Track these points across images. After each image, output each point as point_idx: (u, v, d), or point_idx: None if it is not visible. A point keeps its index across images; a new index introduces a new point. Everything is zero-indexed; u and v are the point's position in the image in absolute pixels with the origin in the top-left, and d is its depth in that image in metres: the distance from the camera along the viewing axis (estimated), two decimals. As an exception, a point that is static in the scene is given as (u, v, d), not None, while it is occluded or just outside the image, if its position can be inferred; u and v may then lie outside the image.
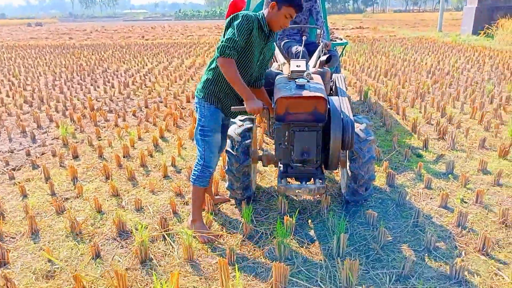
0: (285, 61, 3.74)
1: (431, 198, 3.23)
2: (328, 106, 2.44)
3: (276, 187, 3.46)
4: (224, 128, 2.82)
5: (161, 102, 6.65)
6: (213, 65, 2.57)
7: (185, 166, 3.93)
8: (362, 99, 6.47)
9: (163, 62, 11.60)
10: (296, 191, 2.47)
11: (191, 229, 2.70)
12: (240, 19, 2.38)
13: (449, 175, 3.61)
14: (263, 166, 3.22)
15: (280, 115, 2.36)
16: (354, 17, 52.19)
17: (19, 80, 8.80)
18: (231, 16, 2.45)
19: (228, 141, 3.01)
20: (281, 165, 2.67)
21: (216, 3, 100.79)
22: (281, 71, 3.30)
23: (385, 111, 5.55)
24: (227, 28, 2.45)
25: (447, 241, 2.63)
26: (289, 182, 2.66)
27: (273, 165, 3.37)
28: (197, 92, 2.66)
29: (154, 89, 7.75)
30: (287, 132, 2.46)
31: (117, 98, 7.04)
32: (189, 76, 8.97)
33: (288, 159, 2.52)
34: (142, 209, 3.15)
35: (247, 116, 3.17)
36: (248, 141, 2.98)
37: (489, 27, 15.34)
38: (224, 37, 2.39)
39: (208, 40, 19.04)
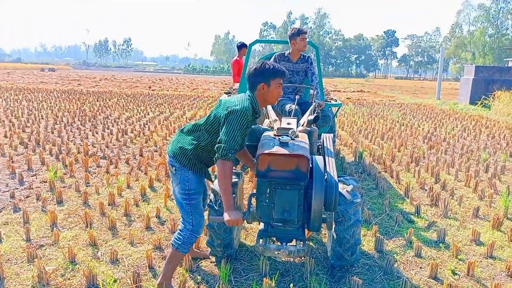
0: (277, 118, 3.77)
1: (420, 268, 3.09)
2: (311, 165, 2.40)
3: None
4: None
5: (156, 151, 6.64)
6: (195, 141, 2.45)
7: (169, 217, 3.82)
8: (357, 160, 6.45)
9: (164, 113, 11.78)
10: (275, 253, 2.36)
11: None
12: (240, 116, 2.27)
13: (440, 244, 3.49)
14: (247, 223, 3.12)
15: (262, 171, 2.32)
16: (356, 81, 53.87)
17: (20, 122, 8.90)
18: (228, 111, 2.31)
19: (212, 195, 2.94)
20: (261, 224, 2.58)
21: (223, 60, 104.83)
22: (271, 128, 3.31)
23: (379, 173, 5.50)
24: (225, 122, 2.30)
25: (434, 316, 2.47)
26: (271, 242, 2.55)
27: (258, 223, 3.27)
28: (175, 157, 2.46)
29: (152, 138, 7.79)
30: (268, 190, 2.40)
31: (113, 145, 7.06)
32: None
33: (268, 217, 2.43)
34: (118, 261, 3.00)
35: (234, 170, 3.13)
36: (232, 196, 2.91)
37: (486, 98, 15.72)
38: (222, 136, 2.27)
39: (212, 94, 19.50)
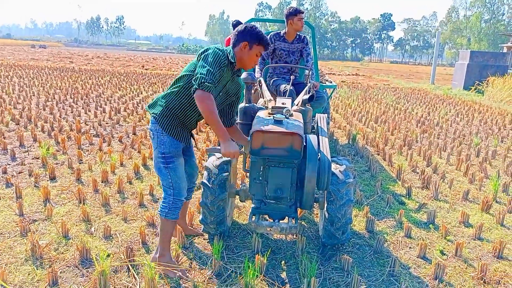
0: (271, 98, 3.76)
1: (410, 248, 3.14)
2: (304, 144, 2.41)
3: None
4: (186, 151, 2.67)
5: (150, 130, 6.61)
6: (171, 95, 2.43)
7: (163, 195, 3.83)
8: (350, 142, 6.48)
9: (158, 92, 11.67)
10: (267, 229, 2.38)
11: (158, 264, 2.52)
12: (214, 52, 2.32)
13: (430, 225, 3.55)
14: (241, 201, 3.14)
15: (255, 149, 2.32)
16: (352, 64, 53.64)
17: (11, 98, 8.77)
18: (203, 49, 2.40)
19: (205, 172, 2.95)
20: (255, 201, 2.60)
21: (218, 40, 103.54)
22: (266, 107, 3.30)
23: (371, 156, 5.54)
24: (199, 59, 2.34)
25: (421, 293, 2.53)
26: (263, 219, 2.58)
27: (251, 201, 3.30)
28: (153, 116, 2.46)
29: (145, 116, 7.74)
30: (262, 167, 2.41)
31: (106, 123, 7.00)
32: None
33: (261, 194, 2.45)
34: (111, 237, 3.02)
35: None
36: (226, 174, 2.92)
37: (480, 83, 15.77)
38: (198, 69, 2.27)
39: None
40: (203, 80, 2.19)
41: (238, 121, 3.22)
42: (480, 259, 3.02)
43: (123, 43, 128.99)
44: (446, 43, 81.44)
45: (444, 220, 3.69)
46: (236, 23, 7.72)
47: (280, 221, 2.46)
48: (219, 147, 2.36)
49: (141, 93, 11.17)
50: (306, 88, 3.94)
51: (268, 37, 4.77)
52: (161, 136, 2.44)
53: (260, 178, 2.42)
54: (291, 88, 4.30)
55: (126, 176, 4.24)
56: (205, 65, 2.26)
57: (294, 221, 2.43)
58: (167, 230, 2.55)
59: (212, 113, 2.21)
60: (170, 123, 2.44)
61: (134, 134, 6.32)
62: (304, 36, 4.84)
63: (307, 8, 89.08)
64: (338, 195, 2.75)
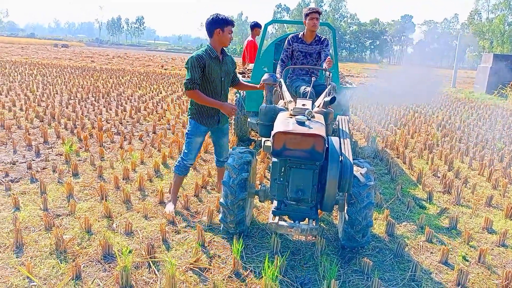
0: (292, 99, 3.75)
1: (431, 253, 3.10)
2: (327, 146, 2.40)
3: (271, 225, 3.37)
4: (212, 132, 3.62)
5: (169, 129, 6.68)
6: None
7: (182, 194, 3.87)
8: (369, 145, 6.42)
9: (177, 92, 11.79)
10: (288, 230, 2.38)
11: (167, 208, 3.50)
12: (190, 61, 3.19)
13: (452, 230, 3.49)
14: (260, 201, 3.15)
15: (277, 150, 2.32)
16: (370, 66, 53.08)
17: (35, 96, 8.99)
18: (187, 61, 3.24)
19: (226, 172, 2.97)
20: (275, 202, 2.60)
21: (236, 42, 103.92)
22: (286, 108, 3.30)
23: (391, 159, 5.47)
24: (186, 67, 3.25)
25: (443, 299, 2.49)
26: (283, 220, 2.57)
27: (270, 201, 3.30)
28: (188, 113, 3.53)
29: (165, 116, 7.83)
30: (283, 168, 2.41)
31: (127, 122, 7.11)
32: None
33: (282, 195, 2.45)
34: (132, 234, 3.07)
35: (246, 149, 3.15)
36: (246, 174, 2.94)
37: (503, 87, 15.41)
38: (186, 75, 3.23)
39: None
40: (186, 85, 3.20)
41: (259, 121, 3.24)
42: (505, 266, 2.95)
43: (142, 43, 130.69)
44: (467, 46, 79.83)
45: (467, 225, 3.62)
46: (255, 25, 7.74)
47: (301, 223, 2.46)
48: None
49: (161, 93, 11.30)
50: (327, 90, 3.91)
51: (287, 39, 4.76)
52: (189, 120, 3.48)
53: (281, 179, 2.42)
54: (311, 90, 4.28)
55: (147, 174, 4.29)
56: (187, 72, 3.24)
57: (314, 223, 2.42)
58: (176, 182, 3.59)
59: (201, 99, 3.24)
60: (194, 112, 3.43)
61: (154, 133, 6.40)
62: (325, 38, 4.80)
63: (325, 10, 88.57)
64: (359, 198, 2.73)
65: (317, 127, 2.40)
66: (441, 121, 9.07)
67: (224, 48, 3.41)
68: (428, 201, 4.15)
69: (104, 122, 6.93)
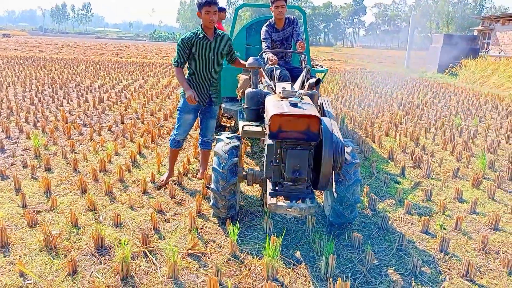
0: (270, 83, 3.78)
1: (412, 224, 3.28)
2: (321, 126, 2.46)
3: (259, 207, 3.43)
4: (201, 112, 3.78)
5: (138, 118, 6.52)
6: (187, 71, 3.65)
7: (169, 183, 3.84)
8: (339, 126, 6.60)
9: (138, 80, 11.47)
10: (287, 210, 2.44)
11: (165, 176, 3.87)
12: (178, 42, 3.48)
13: (428, 202, 3.70)
14: (248, 185, 3.19)
15: (273, 132, 2.36)
16: (325, 49, 53.96)
17: (-14, 89, 8.42)
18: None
19: (215, 158, 2.98)
20: (270, 184, 2.64)
21: (190, 27, 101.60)
22: (252, 89, 3.32)
23: (361, 138, 5.67)
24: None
25: (431, 265, 2.66)
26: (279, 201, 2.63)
27: (258, 185, 3.35)
28: (181, 91, 3.67)
29: (130, 105, 7.61)
30: (279, 150, 2.46)
31: (92, 113, 6.86)
32: (166, 95, 8.88)
33: (278, 177, 2.50)
34: (121, 225, 3.02)
35: (233, 134, 3.17)
36: (236, 159, 2.96)
37: (453, 66, 16.24)
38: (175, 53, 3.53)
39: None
40: (174, 61, 3.52)
41: (245, 106, 3.25)
42: (478, 231, 3.19)
43: (91, 31, 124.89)
44: (416, 28, 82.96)
45: (439, 196, 3.86)
46: (219, 9, 7.65)
47: (298, 202, 2.52)
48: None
49: (121, 82, 10.94)
50: (304, 72, 3.98)
51: (265, 29, 4.70)
52: (181, 97, 3.67)
53: (277, 161, 2.46)
54: (285, 72, 4.33)
55: (124, 165, 4.20)
56: (175, 52, 3.50)
57: (311, 201, 2.49)
58: (170, 155, 3.85)
59: (177, 76, 3.51)
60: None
61: (123, 123, 6.22)
62: (294, 17, 4.81)
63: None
64: (347, 175, 2.83)
65: (311, 108, 2.45)
66: (401, 100, 9.46)
67: (215, 28, 3.56)
68: (402, 176, 4.36)
69: (67, 114, 6.64)
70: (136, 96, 8.64)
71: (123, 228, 2.97)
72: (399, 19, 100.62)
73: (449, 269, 2.64)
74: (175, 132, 3.75)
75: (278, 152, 2.46)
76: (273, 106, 2.50)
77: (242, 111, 5.03)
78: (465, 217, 3.43)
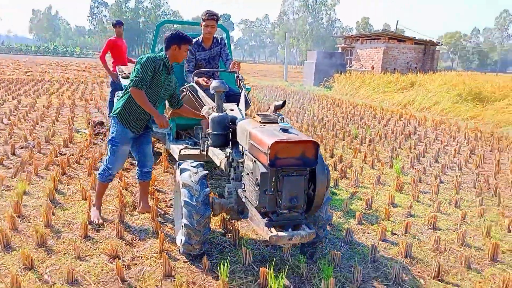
0: (214, 104, 3.64)
1: (368, 233, 3.48)
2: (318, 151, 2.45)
3: (221, 236, 3.24)
4: (134, 140, 3.44)
5: (34, 147, 5.59)
6: (125, 96, 3.28)
7: (106, 222, 3.37)
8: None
9: (8, 100, 9.89)
10: (288, 240, 2.35)
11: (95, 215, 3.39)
12: (146, 60, 3.12)
13: (370, 210, 3.98)
14: (214, 215, 3.00)
15: (273, 160, 2.26)
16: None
17: None
18: (141, 56, 3.21)
19: (184, 190, 2.74)
20: (257, 213, 2.51)
21: (46, 38, 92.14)
22: (219, 113, 3.17)
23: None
24: (137, 64, 3.16)
25: (405, 271, 2.85)
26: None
27: (225, 214, 3.16)
28: (112, 113, 3.33)
29: (13, 132, 6.49)
30: (273, 178, 2.36)
31: (-34, 144, 5.65)
32: (53, 117, 7.82)
33: (274, 206, 2.39)
34: (77, 281, 2.53)
35: (197, 162, 2.95)
36: (208, 189, 2.78)
37: (327, 80, 17.98)
38: (134, 72, 3.13)
39: (55, 78, 17.10)
40: (136, 82, 3.08)
41: (210, 131, 3.06)
42: (421, 233, 3.54)
43: None
44: (279, 43, 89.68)
45: (375, 203, 4.17)
46: (117, 23, 7.21)
47: (294, 230, 2.44)
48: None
49: (-13, 103, 9.28)
50: (243, 92, 3.94)
51: (189, 49, 4.53)
52: (115, 126, 3.28)
53: (272, 190, 2.36)
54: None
55: (45, 206, 3.54)
56: (138, 70, 3.11)
57: (306, 227, 2.45)
58: (99, 190, 3.47)
59: (144, 101, 3.13)
60: (124, 113, 3.25)
61: (14, 154, 5.27)
62: (221, 38, 4.77)
63: (146, 6, 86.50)
64: (319, 195, 2.87)
65: (301, 133, 2.42)
66: (294, 112, 10.04)
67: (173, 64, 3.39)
68: (336, 187, 4.61)
69: None
70: (16, 120, 7.41)
71: (81, 285, 2.49)
72: (263, 35, 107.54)
73: (419, 272, 2.87)
74: (109, 166, 3.34)
75: (273, 180, 2.36)
76: (264, 133, 2.40)
77: (172, 134, 4.74)
78: (404, 220, 3.77)
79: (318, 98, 14.16)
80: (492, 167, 5.78)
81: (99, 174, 3.41)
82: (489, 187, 4.79)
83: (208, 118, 3.74)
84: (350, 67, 21.85)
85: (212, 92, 3.73)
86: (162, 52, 3.31)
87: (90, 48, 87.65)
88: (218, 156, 3.72)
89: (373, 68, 20.71)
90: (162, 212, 3.68)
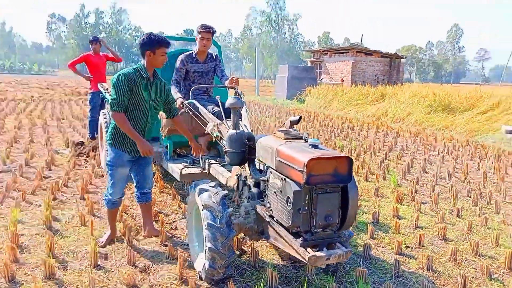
0: (218, 121, 3.56)
1: (383, 247, 3.47)
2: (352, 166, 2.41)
3: (237, 258, 3.12)
4: (134, 162, 3.24)
5: (16, 169, 5.25)
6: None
7: (112, 250, 3.18)
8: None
9: (-26, 122, 9.30)
10: (325, 260, 2.28)
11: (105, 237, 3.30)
12: (116, 80, 2.92)
13: (378, 224, 3.98)
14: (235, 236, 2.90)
15: (309, 178, 2.20)
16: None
17: None
18: (113, 76, 2.99)
19: (206, 212, 2.63)
20: (288, 233, 2.43)
21: (2, 56, 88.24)
22: (236, 131, 3.10)
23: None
24: (112, 87, 2.95)
25: (430, 285, 2.84)
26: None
27: (244, 235, 3.06)
28: (106, 139, 3.22)
29: (-12, 155, 6.08)
30: (307, 196, 2.30)
31: None
32: (27, 138, 7.42)
33: (308, 225, 2.33)
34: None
35: (213, 182, 2.86)
36: (230, 209, 2.68)
37: (300, 93, 18.20)
38: (111, 95, 2.96)
39: (19, 96, 16.33)
40: (113, 106, 2.92)
41: (228, 149, 2.96)
42: (433, 244, 3.57)
43: None
44: (243, 58, 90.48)
45: (382, 216, 4.19)
46: (93, 39, 7.11)
47: (329, 249, 2.38)
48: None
49: (-49, 125, 8.69)
50: (245, 108, 3.89)
51: (179, 59, 4.45)
52: (110, 150, 3.13)
53: (306, 208, 2.30)
54: (218, 109, 4.16)
55: (46, 235, 3.30)
56: (112, 92, 2.94)
57: (341, 245, 2.40)
58: (108, 215, 3.35)
59: (124, 125, 2.94)
60: (116, 137, 3.09)
61: (-5, 179, 4.92)
62: (216, 55, 4.72)
63: (107, 22, 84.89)
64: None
65: (330, 149, 2.39)
66: (271, 126, 10.03)
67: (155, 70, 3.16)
68: (338, 201, 4.59)
69: None
70: (-12, 142, 6.97)
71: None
72: (228, 49, 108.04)
73: (443, 285, 2.88)
74: (109, 192, 3.19)
75: (307, 199, 2.30)
76: (295, 150, 2.35)
77: (168, 153, 4.59)
78: (412, 232, 3.80)
79: (293, 111, 14.28)
80: (477, 175, 5.98)
81: (105, 202, 3.27)
82: (483, 195, 4.94)
83: (213, 135, 3.66)
84: (321, 80, 22.27)
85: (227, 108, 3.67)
86: (139, 62, 3.10)
87: (49, 65, 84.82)
88: (223, 174, 3.63)
89: (342, 81, 21.19)
90: (170, 235, 3.53)
